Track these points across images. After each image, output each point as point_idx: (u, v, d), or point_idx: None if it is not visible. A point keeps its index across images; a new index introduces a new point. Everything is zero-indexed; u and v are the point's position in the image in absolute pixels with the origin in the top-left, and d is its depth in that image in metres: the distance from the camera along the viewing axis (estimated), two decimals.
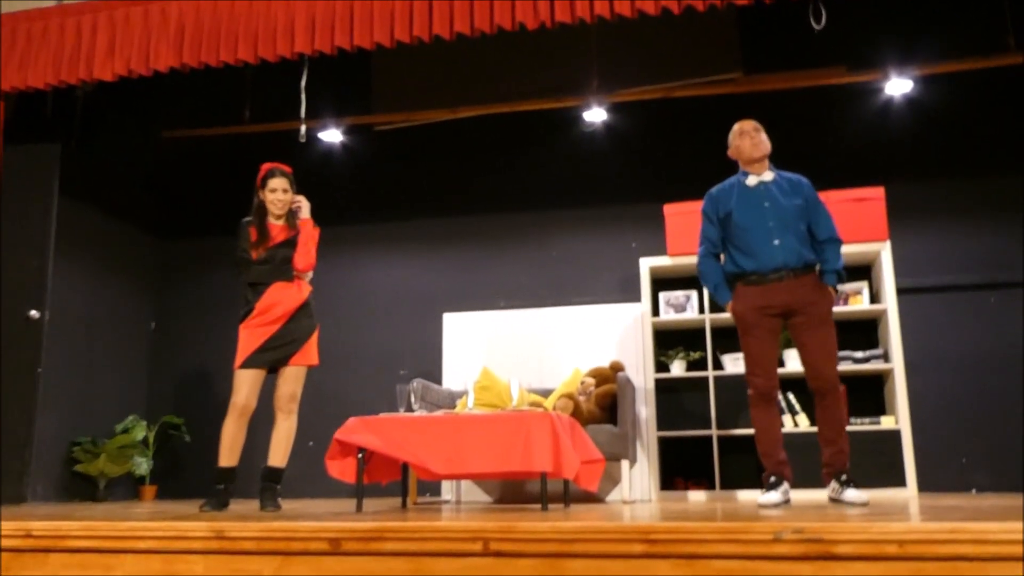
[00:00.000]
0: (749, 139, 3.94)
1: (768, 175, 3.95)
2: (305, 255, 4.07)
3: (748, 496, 5.21)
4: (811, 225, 3.90)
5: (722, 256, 4.04)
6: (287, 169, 4.17)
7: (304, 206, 4.18)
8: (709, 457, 5.40)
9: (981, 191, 5.79)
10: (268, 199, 4.10)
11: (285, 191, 4.11)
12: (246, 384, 3.91)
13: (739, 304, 3.87)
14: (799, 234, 3.84)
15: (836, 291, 3.88)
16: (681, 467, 5.59)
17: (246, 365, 3.91)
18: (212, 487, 3.89)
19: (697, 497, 5.28)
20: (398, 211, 6.71)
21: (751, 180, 3.95)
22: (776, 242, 3.81)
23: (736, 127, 4.02)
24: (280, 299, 3.98)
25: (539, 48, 6.31)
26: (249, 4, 4.86)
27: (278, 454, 3.94)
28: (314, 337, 4.06)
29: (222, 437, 3.91)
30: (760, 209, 3.87)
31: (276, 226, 4.11)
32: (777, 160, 4.14)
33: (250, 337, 3.94)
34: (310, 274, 4.16)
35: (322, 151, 6.76)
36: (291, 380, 3.98)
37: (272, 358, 3.96)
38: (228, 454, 3.91)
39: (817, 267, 3.89)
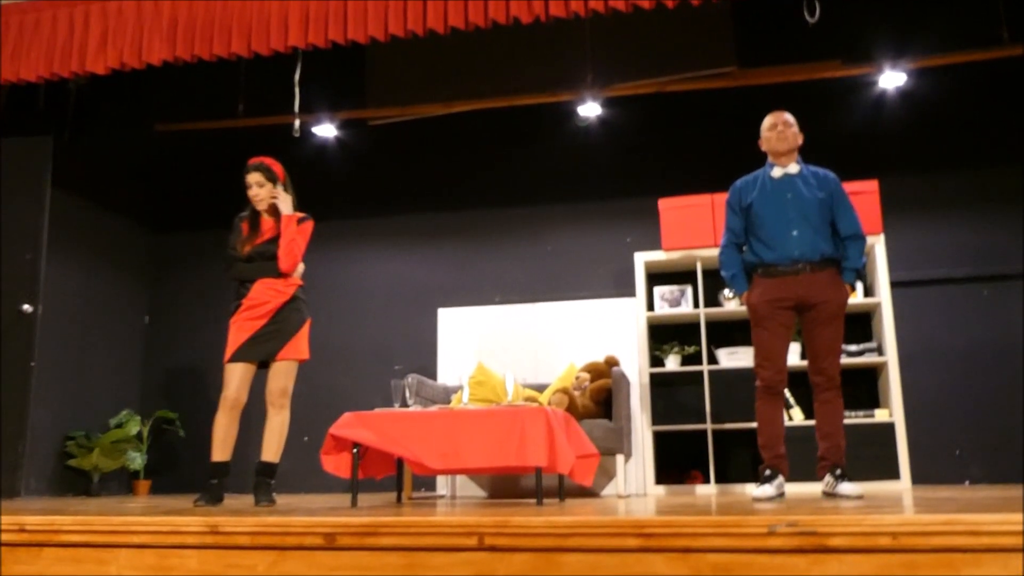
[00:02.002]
0: (777, 131, 3.95)
1: (794, 168, 3.96)
2: (285, 256, 3.94)
3: (743, 490, 5.22)
4: (835, 220, 3.90)
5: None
6: (265, 161, 4.05)
7: (282, 202, 4.04)
8: (704, 451, 5.41)
9: (975, 184, 5.81)
10: (248, 195, 4.06)
11: (260, 185, 4.01)
12: (235, 378, 3.89)
13: (754, 295, 3.89)
14: (819, 227, 3.84)
15: (853, 289, 3.88)
16: (676, 462, 5.60)
17: (234, 359, 3.90)
18: (206, 482, 3.88)
19: (692, 491, 5.29)
20: (392, 206, 6.70)
21: (776, 172, 3.97)
22: (794, 233, 3.82)
23: (768, 119, 4.01)
24: (267, 296, 3.94)
25: (533, 42, 6.29)
26: None
27: (271, 449, 3.92)
28: (303, 331, 4.00)
29: (214, 431, 3.89)
30: (782, 200, 3.89)
31: (268, 222, 4.07)
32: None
33: (238, 331, 3.93)
34: (300, 268, 4.08)
35: (316, 145, 6.74)
36: (281, 375, 3.95)
37: (260, 352, 3.93)
38: (220, 448, 3.90)
39: (838, 263, 3.89)
